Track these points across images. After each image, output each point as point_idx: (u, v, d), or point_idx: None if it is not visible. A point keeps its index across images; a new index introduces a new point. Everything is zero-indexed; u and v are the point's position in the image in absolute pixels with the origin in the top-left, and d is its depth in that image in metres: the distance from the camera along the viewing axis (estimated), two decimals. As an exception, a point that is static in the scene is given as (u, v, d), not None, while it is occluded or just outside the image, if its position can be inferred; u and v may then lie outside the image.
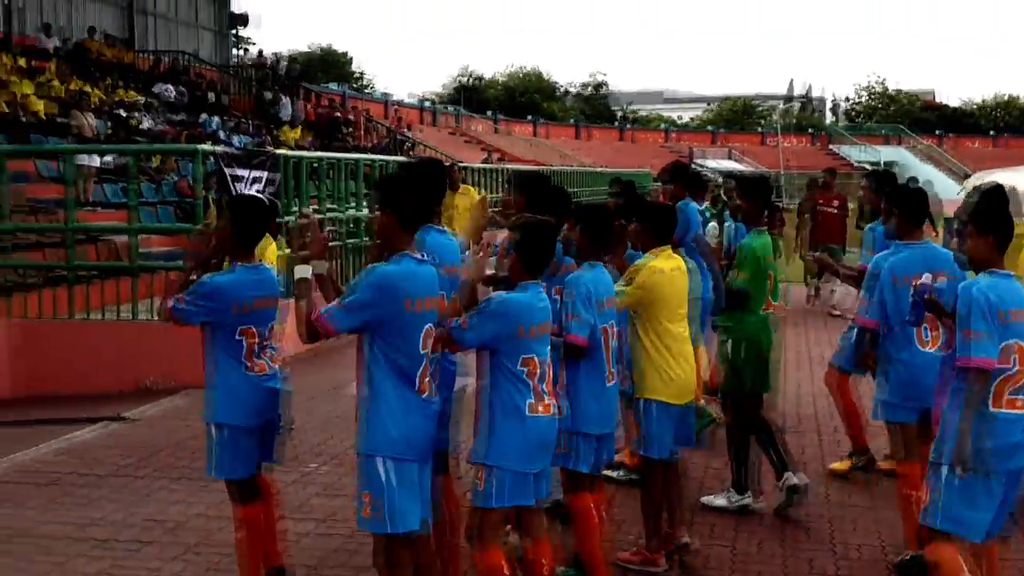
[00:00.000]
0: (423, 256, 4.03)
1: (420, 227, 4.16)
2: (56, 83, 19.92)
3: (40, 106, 18.46)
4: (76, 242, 11.42)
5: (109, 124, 19.28)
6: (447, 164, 4.84)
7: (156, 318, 4.47)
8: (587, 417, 4.80)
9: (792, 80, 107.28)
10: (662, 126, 65.95)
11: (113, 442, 7.71)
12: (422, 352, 3.96)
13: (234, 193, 9.31)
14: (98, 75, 22.17)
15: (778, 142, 57.57)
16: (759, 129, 66.88)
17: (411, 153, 29.45)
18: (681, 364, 5.23)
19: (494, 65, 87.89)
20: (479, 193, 11.89)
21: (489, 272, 4.28)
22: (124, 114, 20.50)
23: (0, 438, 8.03)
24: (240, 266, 4.58)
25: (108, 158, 16.34)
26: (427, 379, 3.99)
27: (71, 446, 7.59)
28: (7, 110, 17.61)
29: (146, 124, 20.90)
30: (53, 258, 12.08)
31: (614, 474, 6.36)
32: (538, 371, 4.17)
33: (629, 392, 5.25)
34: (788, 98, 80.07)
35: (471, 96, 61.39)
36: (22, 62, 20.32)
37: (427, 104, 50.45)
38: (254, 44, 45.22)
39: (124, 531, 5.75)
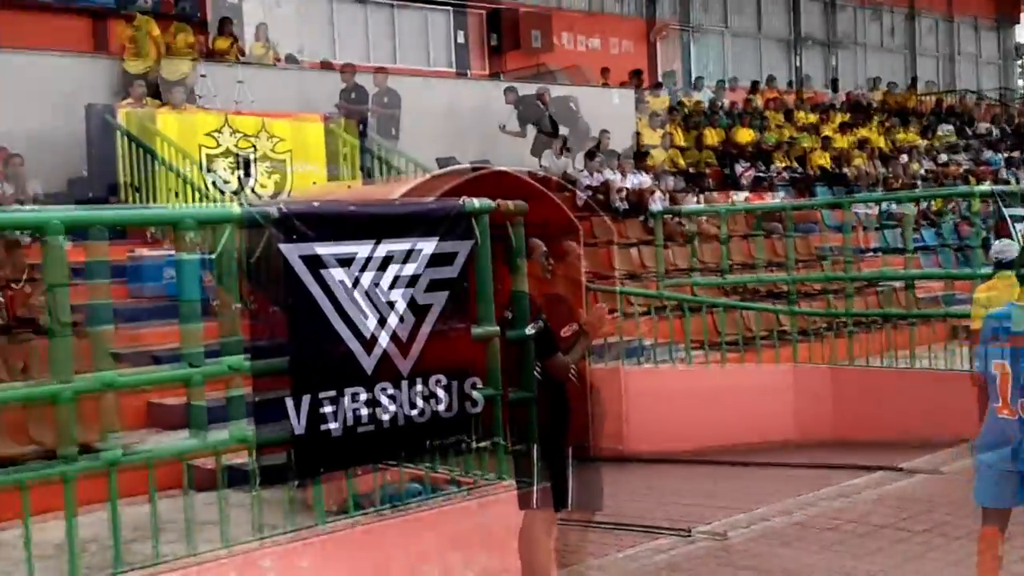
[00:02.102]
0: None
1: None
2: (837, 135, 20.86)
3: (824, 159, 19.52)
4: (859, 289, 11.83)
5: (888, 170, 19.58)
6: None
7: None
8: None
9: None
10: None
11: (888, 493, 7.73)
12: None
13: (1013, 237, 8.72)
14: (878, 121, 22.68)
15: None
16: None
17: None
18: None
19: None
20: None
21: None
22: (905, 159, 20.64)
23: (788, 480, 8.63)
24: (1013, 304, 4.67)
25: (887, 205, 16.62)
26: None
27: (850, 492, 7.79)
28: (796, 165, 18.95)
29: (924, 167, 20.74)
30: (836, 305, 12.66)
31: None
32: None
33: None
34: None
35: None
36: (812, 118, 21.68)
37: None
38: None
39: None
